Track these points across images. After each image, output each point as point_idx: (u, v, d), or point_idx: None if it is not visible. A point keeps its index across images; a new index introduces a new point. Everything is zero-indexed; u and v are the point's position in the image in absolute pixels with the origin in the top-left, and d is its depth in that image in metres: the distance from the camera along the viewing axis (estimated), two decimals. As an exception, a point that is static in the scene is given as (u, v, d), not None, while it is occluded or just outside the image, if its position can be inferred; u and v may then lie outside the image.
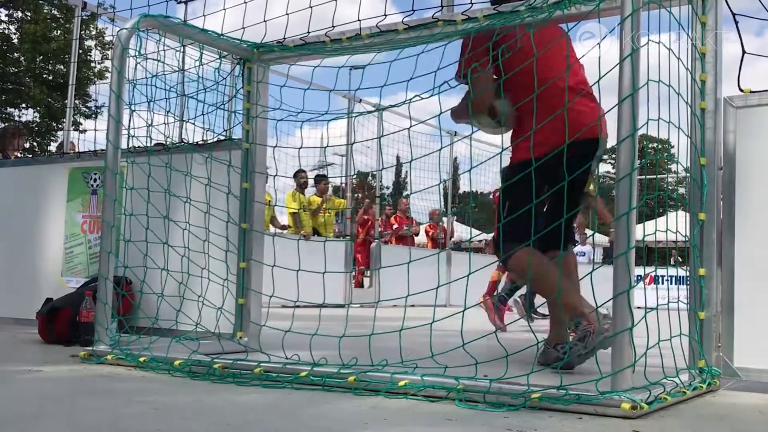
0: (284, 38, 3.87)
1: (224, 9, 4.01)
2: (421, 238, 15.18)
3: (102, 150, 4.95)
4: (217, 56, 3.99)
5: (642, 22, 2.47)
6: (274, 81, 4.16)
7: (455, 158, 16.86)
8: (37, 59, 23.15)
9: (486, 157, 12.77)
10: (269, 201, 8.54)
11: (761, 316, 2.88)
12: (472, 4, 3.35)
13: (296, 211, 10.80)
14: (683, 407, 2.45)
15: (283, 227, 11.46)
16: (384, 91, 3.47)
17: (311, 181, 11.50)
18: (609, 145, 3.41)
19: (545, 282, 3.34)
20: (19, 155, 7.90)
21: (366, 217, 13.09)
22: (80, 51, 11.63)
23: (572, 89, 3.20)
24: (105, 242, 3.52)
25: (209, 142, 4.29)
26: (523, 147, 3.29)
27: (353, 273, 12.10)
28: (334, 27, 3.64)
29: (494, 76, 3.42)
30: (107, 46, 21.86)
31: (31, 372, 2.99)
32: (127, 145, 3.76)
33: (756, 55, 3.07)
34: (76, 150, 7.89)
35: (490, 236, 16.62)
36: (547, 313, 5.44)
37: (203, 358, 3.14)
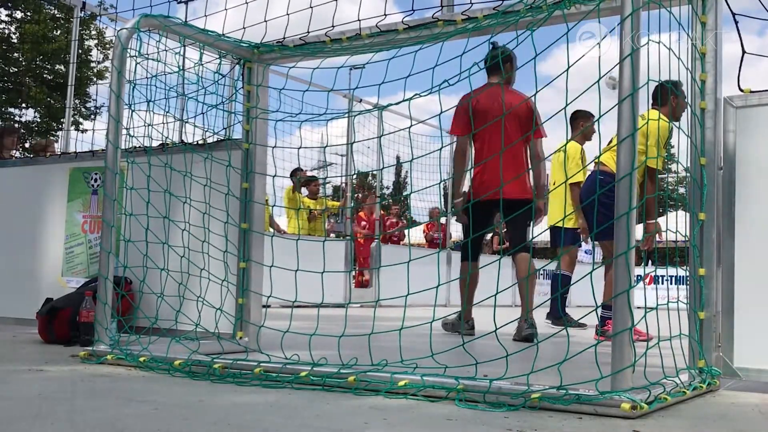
0: (284, 38, 3.87)
1: (225, 9, 4.01)
2: (420, 237, 15.11)
3: (101, 150, 4.96)
4: (217, 56, 3.99)
5: (642, 22, 2.47)
6: (273, 81, 4.17)
7: (455, 158, 16.79)
8: (37, 59, 23.14)
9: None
10: (267, 201, 8.54)
11: (761, 316, 2.88)
12: (472, 3, 3.35)
13: (293, 209, 10.78)
14: (683, 407, 2.45)
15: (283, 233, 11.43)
16: (384, 91, 3.49)
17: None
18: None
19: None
20: (18, 155, 7.89)
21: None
22: (80, 51, 11.63)
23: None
24: (105, 242, 3.52)
25: (209, 142, 4.29)
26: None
27: (353, 273, 12.08)
28: (334, 27, 3.64)
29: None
30: (107, 46, 21.86)
31: (31, 372, 2.99)
32: (125, 146, 3.76)
33: (756, 55, 3.07)
34: (57, 152, 7.88)
35: (489, 236, 16.58)
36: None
37: (203, 358, 3.14)
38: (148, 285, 3.95)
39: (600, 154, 5.33)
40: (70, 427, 1.93)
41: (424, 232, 14.79)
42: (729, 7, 2.98)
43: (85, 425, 1.96)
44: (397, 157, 16.32)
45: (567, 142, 3.39)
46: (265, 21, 3.79)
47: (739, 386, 2.92)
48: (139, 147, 3.99)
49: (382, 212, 13.46)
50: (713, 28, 2.93)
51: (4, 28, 23.16)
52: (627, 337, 2.34)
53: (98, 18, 12.46)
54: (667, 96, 4.82)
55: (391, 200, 13.86)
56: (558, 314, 6.89)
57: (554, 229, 7.09)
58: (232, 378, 2.85)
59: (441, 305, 2.95)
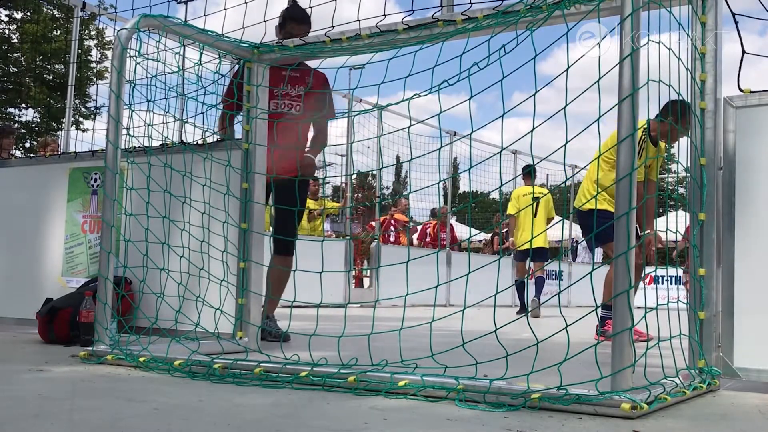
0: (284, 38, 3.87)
1: (225, 9, 4.01)
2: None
3: (101, 150, 4.95)
4: (217, 56, 3.99)
5: (642, 22, 2.47)
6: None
7: (455, 158, 16.87)
8: (37, 59, 23.13)
9: (485, 157, 12.77)
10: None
11: (761, 316, 2.88)
12: (472, 3, 3.35)
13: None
14: (683, 407, 2.45)
15: None
16: (384, 91, 3.49)
17: None
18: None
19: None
20: (19, 154, 7.90)
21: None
22: (80, 51, 11.59)
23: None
24: (105, 242, 3.52)
25: (209, 142, 4.29)
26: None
27: (353, 273, 12.08)
28: (333, 27, 3.64)
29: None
30: (107, 46, 21.87)
31: (31, 372, 2.99)
32: (125, 146, 3.76)
33: (756, 55, 3.07)
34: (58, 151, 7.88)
35: (489, 236, 16.60)
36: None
37: (203, 358, 3.14)
38: (148, 285, 3.95)
39: (601, 155, 5.31)
40: (70, 427, 1.93)
41: (429, 236, 14.72)
42: (729, 7, 2.98)
43: (85, 425, 1.96)
44: (397, 157, 16.33)
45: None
46: (265, 21, 3.80)
47: (739, 386, 2.92)
48: (139, 147, 3.99)
49: (398, 215, 13.48)
50: (713, 28, 2.93)
51: (4, 28, 23.16)
52: (627, 337, 2.34)
53: (98, 18, 12.46)
54: (678, 116, 4.08)
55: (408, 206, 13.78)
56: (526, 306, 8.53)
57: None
58: (232, 378, 2.85)
59: (441, 305, 2.95)
